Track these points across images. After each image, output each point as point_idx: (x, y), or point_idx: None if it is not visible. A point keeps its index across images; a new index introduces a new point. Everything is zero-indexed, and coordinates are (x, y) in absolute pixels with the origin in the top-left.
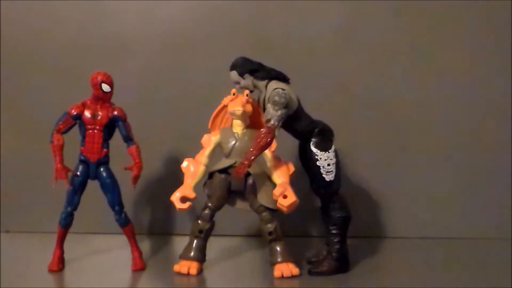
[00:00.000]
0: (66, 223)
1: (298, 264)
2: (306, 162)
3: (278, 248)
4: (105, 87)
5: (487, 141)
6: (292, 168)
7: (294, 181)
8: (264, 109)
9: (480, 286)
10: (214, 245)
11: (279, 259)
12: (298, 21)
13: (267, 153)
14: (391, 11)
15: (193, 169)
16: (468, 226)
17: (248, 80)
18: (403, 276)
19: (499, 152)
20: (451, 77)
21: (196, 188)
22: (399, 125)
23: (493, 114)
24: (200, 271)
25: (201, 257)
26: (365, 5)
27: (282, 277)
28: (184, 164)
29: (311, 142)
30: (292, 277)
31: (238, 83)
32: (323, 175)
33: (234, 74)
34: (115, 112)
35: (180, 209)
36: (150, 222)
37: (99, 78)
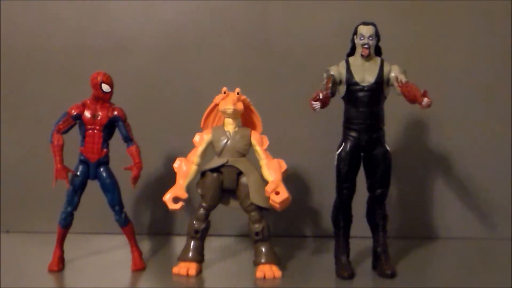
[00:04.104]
0: (66, 223)
1: (283, 265)
2: (374, 159)
3: (263, 249)
4: (105, 87)
5: (487, 140)
6: (284, 166)
7: (288, 179)
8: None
9: (480, 286)
10: (214, 245)
11: (262, 260)
12: (298, 21)
13: (259, 150)
14: (392, 11)
15: (185, 168)
16: (468, 226)
17: (374, 41)
18: (402, 276)
19: (499, 152)
20: (451, 77)
21: (190, 187)
22: (398, 124)
23: (492, 113)
24: (199, 272)
25: (199, 258)
26: (365, 5)
27: (264, 278)
28: (176, 163)
29: (383, 138)
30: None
31: (363, 37)
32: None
33: (372, 29)
34: (115, 112)
35: (172, 209)
36: (150, 222)
37: (99, 78)
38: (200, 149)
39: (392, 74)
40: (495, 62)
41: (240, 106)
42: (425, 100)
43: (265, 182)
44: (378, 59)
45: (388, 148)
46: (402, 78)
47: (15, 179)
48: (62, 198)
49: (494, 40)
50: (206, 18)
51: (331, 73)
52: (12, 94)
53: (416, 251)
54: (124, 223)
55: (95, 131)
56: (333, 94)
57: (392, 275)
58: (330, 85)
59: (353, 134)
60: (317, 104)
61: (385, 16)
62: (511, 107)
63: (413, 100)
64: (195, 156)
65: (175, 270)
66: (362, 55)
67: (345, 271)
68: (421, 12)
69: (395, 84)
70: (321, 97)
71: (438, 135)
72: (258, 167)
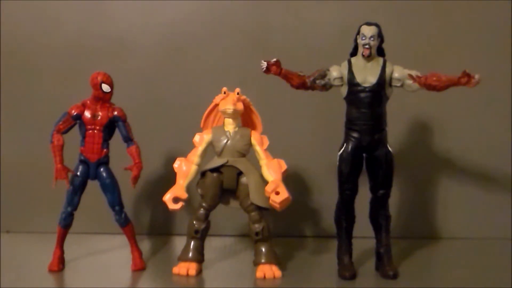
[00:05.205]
0: (66, 223)
1: (283, 265)
2: (376, 160)
3: (263, 249)
4: (105, 87)
5: (487, 141)
6: (284, 166)
7: (288, 179)
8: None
9: (480, 286)
10: (214, 245)
11: (262, 260)
12: (298, 21)
13: (259, 150)
14: (391, 10)
15: (185, 168)
16: (468, 226)
17: (375, 42)
18: (404, 276)
19: (499, 152)
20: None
21: (190, 187)
22: (400, 125)
23: (493, 114)
24: (199, 272)
25: (199, 258)
26: (365, 5)
27: (264, 278)
28: (176, 163)
29: (385, 139)
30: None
31: (365, 37)
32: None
33: (375, 29)
34: (115, 112)
35: (172, 209)
36: (150, 222)
37: (99, 78)
38: (200, 149)
39: (396, 75)
40: (495, 62)
41: (240, 106)
42: (476, 76)
43: (265, 182)
44: (380, 60)
45: (390, 149)
46: (414, 72)
47: (15, 179)
48: (62, 198)
49: (494, 40)
50: (206, 18)
51: (328, 68)
52: (12, 94)
53: (419, 251)
54: (124, 223)
55: (95, 131)
56: (323, 86)
57: (395, 276)
58: (316, 74)
59: (355, 135)
60: (264, 64)
61: (385, 16)
62: (511, 107)
63: (446, 86)
64: (195, 156)
65: (175, 270)
66: (363, 55)
67: (347, 271)
68: (421, 12)
69: (409, 81)
70: (273, 60)
71: (440, 136)
72: (258, 167)
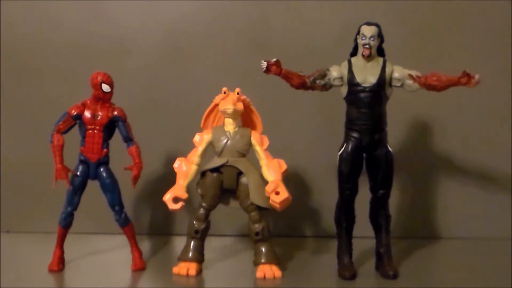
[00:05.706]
0: (66, 223)
1: (283, 265)
2: (376, 160)
3: (263, 249)
4: (105, 87)
5: (487, 141)
6: (284, 166)
7: (288, 179)
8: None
9: (480, 286)
10: (214, 245)
11: (262, 260)
12: (298, 21)
13: (259, 150)
14: (391, 10)
15: (185, 168)
16: (468, 226)
17: (375, 42)
18: (404, 276)
19: (499, 152)
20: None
21: (190, 187)
22: (401, 125)
23: (493, 114)
24: (199, 272)
25: (199, 258)
26: (365, 5)
27: (264, 278)
28: (176, 163)
29: (385, 139)
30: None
31: (365, 37)
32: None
33: (375, 29)
34: (115, 112)
35: (172, 209)
36: (150, 222)
37: (99, 78)
38: (200, 149)
39: (396, 75)
40: (495, 62)
41: (240, 106)
42: (476, 76)
43: (265, 182)
44: (380, 60)
45: (390, 149)
46: (414, 72)
47: (15, 179)
48: (62, 198)
49: (494, 40)
50: (206, 18)
51: (328, 68)
52: (12, 94)
53: (419, 251)
54: (124, 223)
55: (95, 131)
56: (323, 86)
57: (395, 276)
58: (316, 74)
59: (355, 135)
60: (264, 64)
61: (385, 16)
62: (511, 107)
63: (446, 86)
64: (195, 156)
65: (175, 270)
66: (363, 55)
67: (347, 271)
68: (421, 12)
69: (409, 81)
70: (273, 60)
71: (440, 136)
72: (258, 167)
